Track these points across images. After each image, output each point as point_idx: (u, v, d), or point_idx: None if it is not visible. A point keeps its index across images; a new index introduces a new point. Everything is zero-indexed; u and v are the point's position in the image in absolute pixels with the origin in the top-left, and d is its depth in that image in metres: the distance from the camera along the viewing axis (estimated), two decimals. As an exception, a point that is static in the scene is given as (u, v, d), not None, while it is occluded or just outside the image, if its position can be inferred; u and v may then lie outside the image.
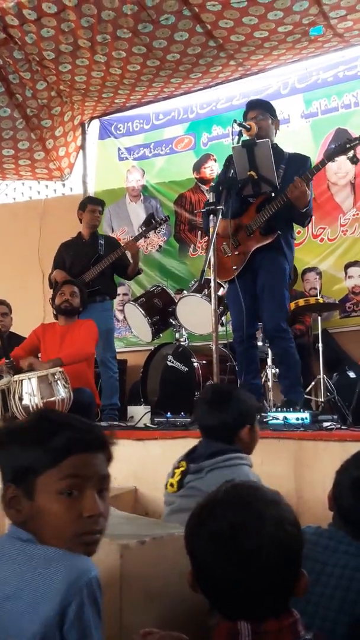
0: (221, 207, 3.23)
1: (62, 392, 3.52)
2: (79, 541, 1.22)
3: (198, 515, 1.17)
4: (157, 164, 6.60)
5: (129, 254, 5.08)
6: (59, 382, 3.52)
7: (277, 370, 4.13)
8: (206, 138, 6.40)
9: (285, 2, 4.58)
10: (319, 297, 4.94)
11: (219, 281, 3.79)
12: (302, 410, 3.38)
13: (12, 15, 4.83)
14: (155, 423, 3.29)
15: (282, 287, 3.63)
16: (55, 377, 3.53)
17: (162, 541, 1.61)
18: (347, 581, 1.43)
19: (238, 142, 3.55)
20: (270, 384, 4.61)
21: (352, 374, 4.97)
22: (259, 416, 3.27)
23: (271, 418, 3.13)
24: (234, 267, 3.64)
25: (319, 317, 4.86)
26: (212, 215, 3.23)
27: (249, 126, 3.63)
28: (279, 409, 3.35)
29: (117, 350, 6.02)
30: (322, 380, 4.69)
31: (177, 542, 1.62)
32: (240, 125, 3.58)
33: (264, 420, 3.17)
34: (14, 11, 4.74)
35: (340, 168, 5.59)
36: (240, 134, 3.56)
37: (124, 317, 5.20)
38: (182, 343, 4.88)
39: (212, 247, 3.22)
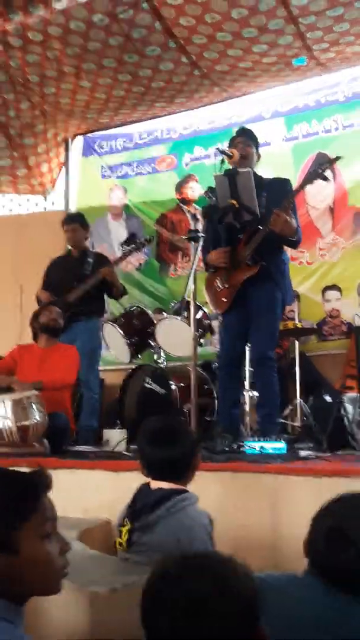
0: (202, 235, 3.24)
1: (37, 416, 3.46)
2: (62, 577, 1.26)
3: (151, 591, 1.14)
4: (139, 183, 6.61)
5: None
6: (34, 405, 3.46)
7: (256, 395, 4.14)
8: (188, 158, 6.44)
9: (270, 37, 4.67)
10: (297, 322, 4.96)
11: (217, 312, 3.81)
12: (278, 439, 3.37)
13: (-4, 42, 4.83)
14: (131, 451, 3.24)
15: (272, 315, 3.64)
16: (30, 400, 3.47)
17: (134, 589, 1.57)
18: (322, 634, 1.41)
19: (220, 169, 3.56)
20: (247, 407, 4.61)
21: (328, 398, 4.98)
22: (235, 445, 3.29)
23: (248, 447, 3.11)
24: (224, 300, 3.68)
25: (297, 341, 4.87)
26: (193, 242, 3.24)
27: (230, 153, 3.66)
28: (255, 438, 3.33)
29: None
30: (298, 404, 4.69)
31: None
32: (222, 152, 3.60)
33: (240, 449, 3.16)
34: (-2, 38, 4.75)
35: (320, 192, 5.64)
36: (222, 162, 3.57)
37: (102, 336, 5.13)
38: (160, 365, 4.84)
39: (192, 272, 3.22)
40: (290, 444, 4.51)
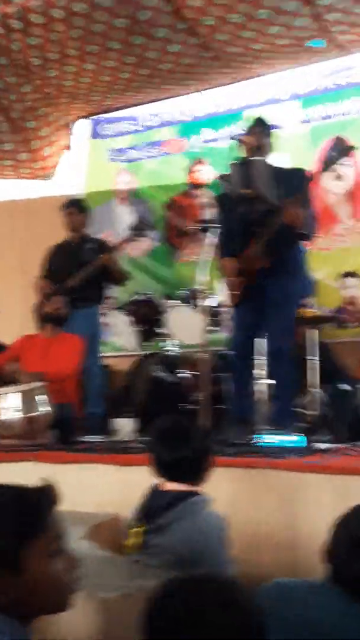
0: (214, 225, 3.16)
1: (42, 407, 3.40)
2: (70, 594, 1.21)
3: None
4: (148, 167, 6.47)
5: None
6: (40, 397, 3.39)
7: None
8: (198, 141, 6.29)
9: (285, 18, 4.49)
10: (315, 310, 4.82)
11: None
12: (293, 432, 3.29)
13: (-4, 24, 4.69)
14: (141, 442, 3.16)
15: (288, 308, 3.59)
16: (37, 391, 3.40)
17: (144, 594, 1.48)
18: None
19: (234, 157, 3.46)
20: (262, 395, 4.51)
21: (346, 386, 4.88)
22: (248, 438, 3.20)
23: (262, 441, 3.02)
24: (235, 292, 3.63)
25: (315, 330, 4.75)
26: (204, 233, 3.15)
27: (247, 139, 3.55)
28: (272, 432, 3.24)
29: (102, 355, 5.91)
30: (316, 394, 4.59)
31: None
32: (238, 140, 3.50)
33: (253, 442, 3.07)
34: (-1, 21, 4.61)
35: (339, 177, 5.49)
36: (237, 150, 3.48)
37: (110, 323, 5.06)
38: (168, 353, 4.76)
39: (203, 262, 3.12)
40: (307, 433, 4.46)
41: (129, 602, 1.47)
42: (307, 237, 3.60)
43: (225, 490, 2.33)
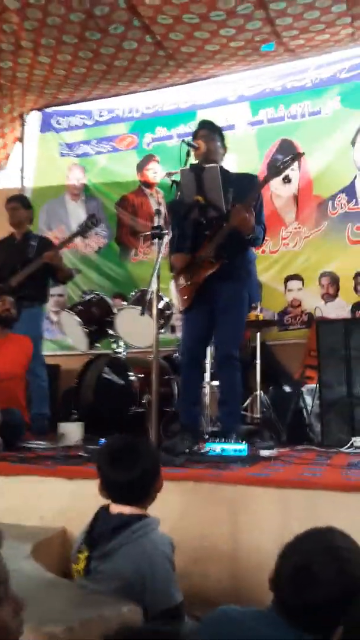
0: (166, 231, 3.14)
1: (-11, 413, 3.34)
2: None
3: None
4: (99, 162, 6.42)
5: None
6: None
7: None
8: (150, 138, 6.28)
9: (238, 21, 4.56)
10: (258, 314, 4.90)
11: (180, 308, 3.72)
12: (239, 438, 3.34)
13: None
14: (89, 451, 3.15)
15: (238, 314, 3.58)
16: (-16, 397, 3.34)
17: (91, 624, 1.50)
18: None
19: (186, 162, 3.44)
20: (207, 399, 4.57)
21: (287, 389, 4.98)
22: (196, 447, 3.23)
23: (209, 449, 3.06)
24: (185, 297, 3.60)
25: (258, 333, 4.83)
26: (157, 239, 3.13)
27: (197, 145, 3.54)
28: (216, 439, 3.29)
29: (50, 353, 5.87)
30: (258, 396, 4.68)
31: (107, 623, 1.52)
32: (188, 144, 3.48)
33: (201, 451, 3.10)
34: None
35: (286, 181, 5.58)
36: (188, 154, 3.46)
37: (60, 322, 4.99)
38: (119, 355, 4.75)
39: (155, 271, 3.11)
40: (251, 437, 4.54)
41: (74, 634, 1.47)
42: (256, 242, 3.62)
43: (173, 503, 2.36)
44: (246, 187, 3.59)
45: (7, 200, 5.03)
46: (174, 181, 3.47)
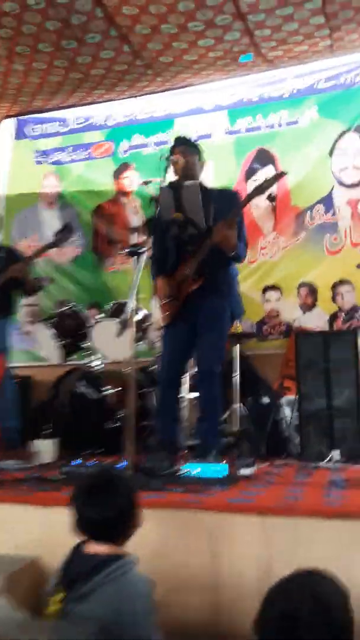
0: (144, 249, 3.08)
1: None
2: None
3: None
4: (75, 170, 6.33)
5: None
6: None
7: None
8: (126, 146, 6.22)
9: (216, 31, 4.54)
10: (237, 325, 4.84)
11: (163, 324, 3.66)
12: (218, 457, 3.29)
13: None
14: (62, 473, 3.05)
15: (219, 330, 3.52)
16: None
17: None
18: None
19: (164, 177, 3.40)
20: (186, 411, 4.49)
21: (266, 400, 4.94)
22: (174, 467, 3.16)
23: (187, 470, 2.99)
24: (166, 313, 3.56)
25: (237, 344, 4.77)
26: (135, 257, 3.06)
27: (176, 159, 3.48)
28: (195, 459, 3.22)
29: (22, 364, 5.74)
30: (237, 409, 4.62)
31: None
32: (167, 159, 3.43)
33: (179, 472, 3.03)
34: None
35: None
36: (166, 169, 3.41)
37: (33, 334, 4.89)
38: (92, 368, 4.66)
39: (134, 291, 3.04)
40: (229, 449, 4.48)
41: None
42: (238, 258, 3.58)
43: (151, 532, 2.28)
44: (227, 202, 3.55)
45: None
46: (152, 198, 3.42)
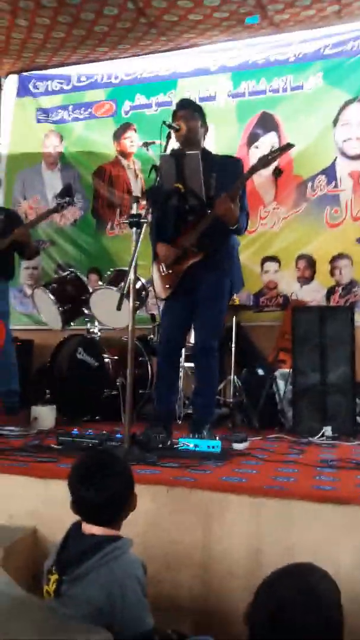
0: (145, 219, 3.04)
1: None
2: None
3: None
4: (76, 130, 6.23)
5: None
6: None
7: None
8: (128, 106, 6.11)
9: (223, -8, 4.38)
10: (235, 298, 4.86)
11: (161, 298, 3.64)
12: (211, 433, 3.35)
13: None
14: (60, 442, 3.12)
15: (218, 303, 3.51)
16: None
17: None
18: None
19: (167, 145, 3.33)
20: (181, 381, 4.54)
21: (260, 372, 4.98)
22: (169, 441, 3.23)
23: (182, 444, 3.06)
24: (167, 286, 3.53)
25: (234, 317, 4.80)
26: (135, 228, 3.03)
27: (177, 126, 3.42)
28: (189, 434, 3.29)
29: (23, 327, 5.79)
30: (232, 380, 4.68)
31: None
32: (169, 126, 3.37)
33: (174, 446, 3.10)
34: None
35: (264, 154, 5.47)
36: (168, 136, 3.35)
37: (33, 299, 4.90)
38: (93, 335, 4.69)
39: (133, 261, 3.03)
40: (223, 420, 4.56)
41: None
42: (239, 231, 3.53)
43: (144, 507, 2.35)
44: (230, 171, 3.49)
45: None
46: (153, 166, 3.36)
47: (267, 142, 5.56)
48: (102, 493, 1.79)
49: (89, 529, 1.81)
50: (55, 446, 3.09)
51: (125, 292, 2.95)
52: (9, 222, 4.70)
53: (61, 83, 6.26)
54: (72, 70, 6.15)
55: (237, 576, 2.29)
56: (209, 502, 2.40)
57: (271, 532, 2.30)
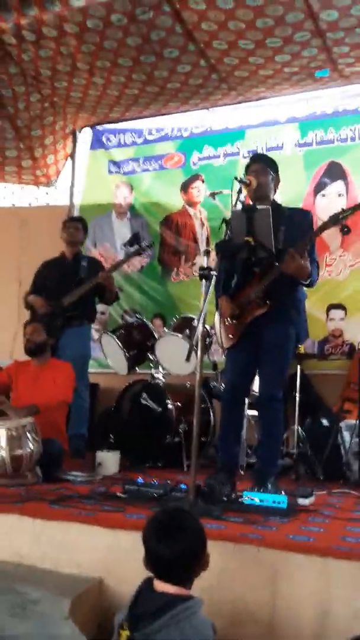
0: (214, 273, 3.10)
1: (30, 445, 3.37)
2: None
3: None
4: (146, 181, 6.42)
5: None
6: (28, 434, 3.37)
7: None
8: (197, 158, 6.26)
9: (294, 48, 4.52)
10: (299, 346, 4.82)
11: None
12: (276, 486, 3.31)
13: (10, 35, 4.61)
14: (126, 491, 3.14)
15: (284, 354, 3.51)
16: (26, 428, 3.37)
17: None
18: None
19: (237, 200, 3.41)
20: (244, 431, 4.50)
21: (325, 422, 4.89)
22: (233, 495, 3.19)
23: (247, 498, 3.03)
24: (231, 336, 3.56)
25: (298, 365, 4.76)
26: (204, 280, 3.09)
27: (248, 181, 3.49)
28: (254, 488, 3.25)
29: (91, 371, 5.89)
30: (296, 430, 4.62)
31: None
32: (240, 181, 3.44)
33: (239, 499, 3.08)
34: (12, 32, 4.54)
35: (332, 206, 5.48)
36: (240, 191, 3.42)
37: (101, 344, 5.01)
38: (157, 381, 4.75)
39: (202, 314, 3.06)
40: (286, 471, 4.48)
41: None
42: (312, 284, 3.53)
43: (211, 563, 2.33)
44: (298, 223, 3.54)
45: (70, 219, 5.27)
46: (224, 220, 3.44)
47: (334, 191, 5.59)
48: (177, 551, 1.80)
49: (161, 586, 1.82)
50: (121, 494, 3.11)
51: (195, 340, 2.99)
52: (92, 268, 4.90)
53: (133, 136, 6.49)
54: (143, 124, 6.38)
55: (303, 638, 2.23)
56: (276, 561, 2.37)
57: (340, 594, 2.25)
